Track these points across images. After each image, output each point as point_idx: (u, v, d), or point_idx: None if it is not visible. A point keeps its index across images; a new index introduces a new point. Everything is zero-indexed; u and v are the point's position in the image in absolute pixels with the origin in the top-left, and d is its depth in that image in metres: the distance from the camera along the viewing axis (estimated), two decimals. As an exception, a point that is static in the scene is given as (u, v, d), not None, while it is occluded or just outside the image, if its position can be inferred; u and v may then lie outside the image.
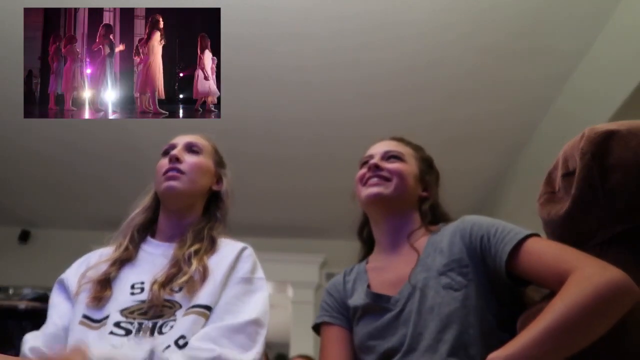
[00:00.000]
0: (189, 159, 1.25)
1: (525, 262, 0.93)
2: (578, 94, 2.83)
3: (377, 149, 1.24)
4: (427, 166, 1.27)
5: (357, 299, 1.14)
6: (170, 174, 1.21)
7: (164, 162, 1.24)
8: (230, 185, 1.34)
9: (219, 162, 1.35)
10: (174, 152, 1.24)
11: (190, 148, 1.27)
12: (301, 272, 4.64)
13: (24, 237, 4.49)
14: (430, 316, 0.99)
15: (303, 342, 4.25)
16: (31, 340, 1.06)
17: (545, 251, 0.92)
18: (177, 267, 1.10)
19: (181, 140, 1.29)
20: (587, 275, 0.82)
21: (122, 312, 1.06)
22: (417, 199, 1.21)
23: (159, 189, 1.24)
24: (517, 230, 0.98)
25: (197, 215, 1.26)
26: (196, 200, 1.26)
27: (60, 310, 1.12)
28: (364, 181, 1.20)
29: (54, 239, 4.44)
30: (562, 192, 0.96)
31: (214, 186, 1.31)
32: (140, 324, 1.03)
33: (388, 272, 1.14)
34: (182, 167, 1.22)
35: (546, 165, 1.04)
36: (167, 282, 1.07)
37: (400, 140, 1.28)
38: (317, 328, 1.23)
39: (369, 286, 1.14)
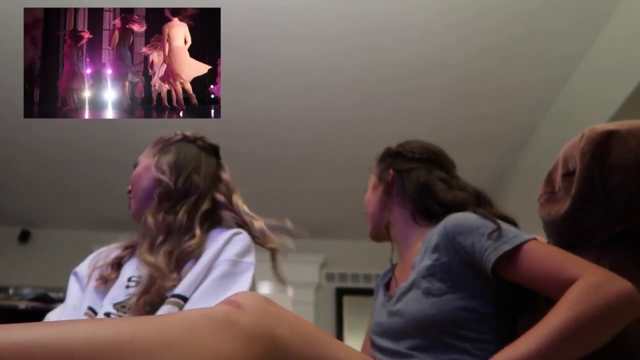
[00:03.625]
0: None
1: (520, 267, 0.90)
2: (578, 95, 2.84)
3: None
4: (384, 160, 1.26)
5: (379, 295, 1.20)
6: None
7: None
8: (165, 159, 1.18)
9: (161, 148, 1.22)
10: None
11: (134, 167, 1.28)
12: (301, 272, 4.64)
13: (24, 237, 4.49)
14: (409, 321, 0.98)
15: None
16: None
17: (545, 257, 0.89)
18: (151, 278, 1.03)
19: None
20: (595, 283, 0.80)
21: (115, 305, 1.06)
22: (385, 197, 1.22)
23: None
24: (504, 239, 0.93)
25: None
26: (150, 202, 1.16)
27: (75, 301, 1.14)
28: None
29: (54, 239, 4.44)
30: (562, 192, 0.95)
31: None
32: None
33: (399, 272, 1.17)
34: (130, 188, 1.24)
35: (546, 166, 1.04)
36: (145, 293, 1.02)
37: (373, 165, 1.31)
38: None
39: (388, 284, 1.20)
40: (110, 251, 1.20)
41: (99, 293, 1.11)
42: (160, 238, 1.07)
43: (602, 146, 0.88)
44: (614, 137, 0.88)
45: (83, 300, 1.12)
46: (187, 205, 1.11)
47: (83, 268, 1.20)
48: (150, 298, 0.98)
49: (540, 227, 1.02)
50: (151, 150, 1.26)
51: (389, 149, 1.28)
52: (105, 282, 1.10)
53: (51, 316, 1.12)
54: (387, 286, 1.21)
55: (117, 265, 1.13)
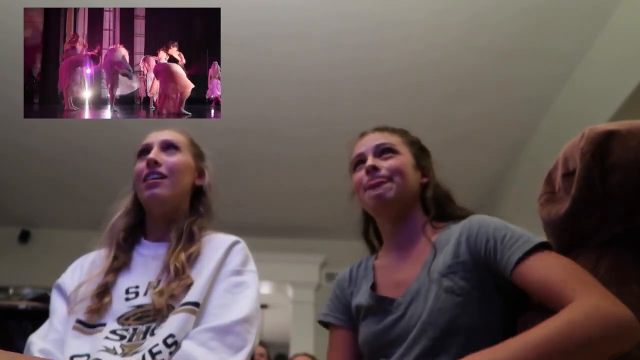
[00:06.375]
0: (168, 160, 1.19)
1: (529, 276, 0.89)
2: (578, 94, 2.84)
3: (367, 145, 1.18)
4: (419, 149, 1.22)
5: (362, 298, 1.13)
6: (151, 180, 1.16)
7: (142, 166, 1.19)
8: (212, 178, 1.29)
9: (198, 155, 1.29)
10: (151, 155, 1.18)
11: (167, 147, 1.22)
12: (301, 272, 4.65)
13: (24, 237, 4.49)
14: (430, 321, 0.97)
15: (303, 342, 4.25)
16: (40, 343, 1.06)
17: (553, 270, 0.87)
18: (176, 276, 1.09)
19: (156, 139, 1.22)
20: (594, 306, 0.78)
21: (119, 319, 1.06)
22: (418, 188, 1.17)
23: (141, 196, 1.19)
24: (526, 237, 0.93)
25: (183, 213, 1.23)
26: (181, 200, 1.23)
27: (60, 317, 1.12)
28: (364, 186, 1.14)
29: (54, 239, 4.44)
30: (562, 192, 0.95)
31: (197, 181, 1.26)
32: (134, 330, 1.04)
33: (394, 272, 1.12)
34: (162, 170, 1.17)
35: (546, 165, 1.04)
36: (167, 289, 1.06)
37: (385, 129, 1.22)
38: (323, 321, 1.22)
39: (373, 287, 1.13)
40: (91, 275, 1.15)
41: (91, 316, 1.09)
42: (186, 243, 1.16)
43: (602, 146, 0.87)
44: (614, 137, 0.88)
45: (69, 317, 1.10)
46: (207, 223, 1.24)
47: (66, 280, 1.17)
48: (173, 292, 1.06)
49: (540, 227, 1.02)
50: (190, 148, 1.27)
51: (420, 141, 1.24)
52: (98, 311, 1.07)
53: (35, 339, 1.07)
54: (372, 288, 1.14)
55: (106, 291, 1.10)
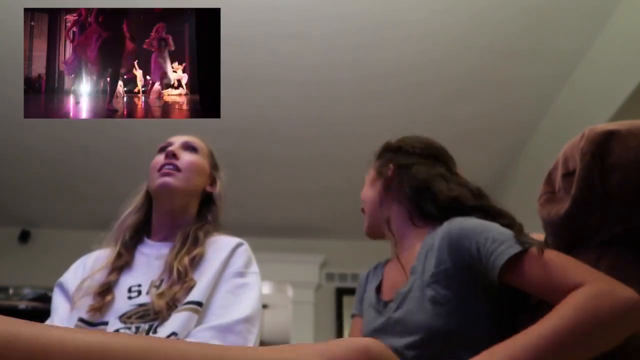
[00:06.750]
0: (186, 157, 1.24)
1: (524, 272, 0.88)
2: (578, 93, 2.84)
3: None
4: (386, 158, 1.23)
5: (368, 295, 1.18)
6: (165, 170, 1.20)
7: (160, 159, 1.23)
8: (224, 189, 1.32)
9: (214, 165, 1.34)
10: (171, 148, 1.23)
11: (188, 146, 1.27)
12: (301, 272, 4.65)
13: (24, 237, 4.49)
14: (414, 328, 0.97)
15: (303, 341, 4.25)
16: None
17: (550, 263, 0.87)
18: (177, 278, 1.09)
19: (178, 140, 1.29)
20: (601, 290, 0.79)
21: (121, 317, 1.07)
22: (390, 202, 1.19)
23: (152, 185, 1.22)
24: (509, 242, 0.91)
25: (190, 217, 1.25)
26: (189, 201, 1.25)
27: (62, 315, 1.12)
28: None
29: (54, 239, 4.44)
30: (562, 192, 0.95)
31: (208, 188, 1.30)
32: (137, 328, 1.04)
33: (392, 274, 1.15)
34: (178, 163, 1.21)
35: (546, 165, 1.04)
36: (169, 292, 1.07)
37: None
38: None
39: (378, 288, 1.17)
40: (94, 271, 1.16)
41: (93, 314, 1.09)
42: (191, 246, 1.17)
43: (602, 146, 0.87)
44: (614, 137, 0.88)
45: (71, 314, 1.10)
46: (212, 231, 1.25)
47: (69, 279, 1.18)
48: (175, 295, 1.06)
49: (540, 227, 1.02)
50: (208, 156, 1.31)
51: (389, 143, 1.27)
52: (100, 310, 1.08)
53: None
54: (377, 288, 1.18)
55: (108, 289, 1.11)
